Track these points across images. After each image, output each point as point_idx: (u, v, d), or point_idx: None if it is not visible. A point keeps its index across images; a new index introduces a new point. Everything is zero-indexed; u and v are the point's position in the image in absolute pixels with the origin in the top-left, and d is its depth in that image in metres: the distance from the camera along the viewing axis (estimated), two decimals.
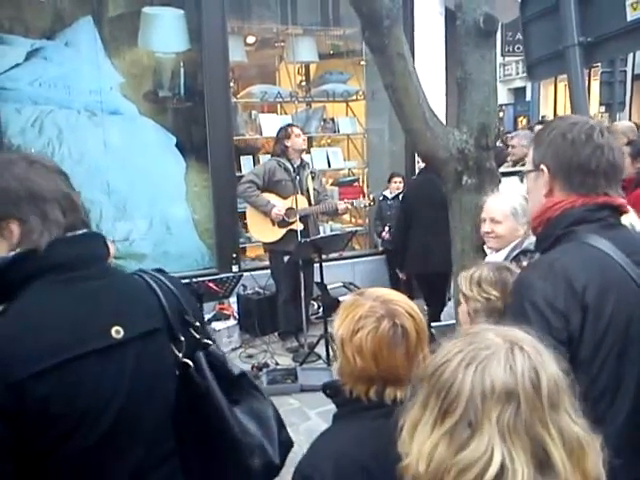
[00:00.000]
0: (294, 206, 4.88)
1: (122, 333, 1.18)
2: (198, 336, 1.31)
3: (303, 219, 4.95)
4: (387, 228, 5.87)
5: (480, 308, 1.86)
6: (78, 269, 1.18)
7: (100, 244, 1.26)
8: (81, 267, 1.19)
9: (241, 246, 5.92)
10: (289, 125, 5.14)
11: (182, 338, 1.27)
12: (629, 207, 1.54)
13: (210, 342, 1.34)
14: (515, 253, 2.26)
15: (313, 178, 5.13)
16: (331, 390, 1.40)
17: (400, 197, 5.88)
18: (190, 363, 1.27)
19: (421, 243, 4.64)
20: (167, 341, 1.26)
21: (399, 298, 1.36)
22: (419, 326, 1.31)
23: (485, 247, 2.54)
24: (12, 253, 1.13)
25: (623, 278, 1.35)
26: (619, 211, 1.45)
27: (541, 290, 1.32)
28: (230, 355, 4.75)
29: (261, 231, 5.13)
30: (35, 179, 1.15)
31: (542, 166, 1.47)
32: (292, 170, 4.93)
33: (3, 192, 1.13)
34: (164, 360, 1.25)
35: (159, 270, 1.37)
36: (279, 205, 4.96)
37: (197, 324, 1.32)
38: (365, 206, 5.49)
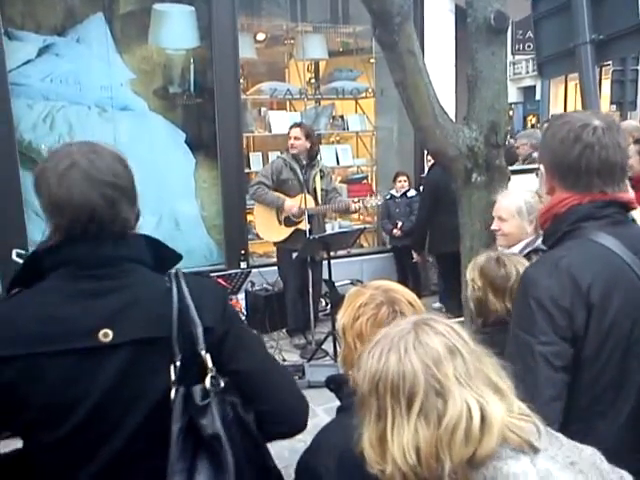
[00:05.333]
0: (301, 205, 4.86)
1: (110, 337, 1.15)
2: (207, 360, 1.19)
3: (309, 219, 4.89)
4: (399, 224, 5.85)
5: (470, 296, 1.90)
6: (91, 268, 1.18)
7: (132, 246, 1.23)
8: (94, 266, 1.18)
9: (249, 242, 5.93)
10: (293, 124, 5.09)
11: (178, 362, 1.17)
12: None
13: (206, 378, 1.19)
14: (527, 251, 2.25)
15: (322, 177, 5.06)
16: (334, 384, 1.41)
17: (407, 194, 5.91)
18: (172, 394, 1.17)
19: (450, 223, 4.70)
20: (168, 355, 1.18)
21: (400, 288, 1.39)
22: (418, 314, 1.32)
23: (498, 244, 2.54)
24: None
25: (629, 276, 1.35)
26: (626, 207, 1.45)
27: (546, 288, 1.33)
28: None
29: (268, 230, 5.13)
30: (62, 187, 1.15)
31: (541, 166, 1.49)
32: (299, 169, 4.90)
33: (38, 194, 1.18)
34: (157, 373, 1.18)
35: (198, 274, 1.32)
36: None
37: (202, 349, 1.19)
38: (374, 206, 5.42)
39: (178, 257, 1.30)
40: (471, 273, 1.93)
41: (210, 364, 1.19)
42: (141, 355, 1.17)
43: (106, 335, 1.14)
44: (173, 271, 1.27)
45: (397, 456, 0.90)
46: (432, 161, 5.08)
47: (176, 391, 1.17)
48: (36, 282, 1.19)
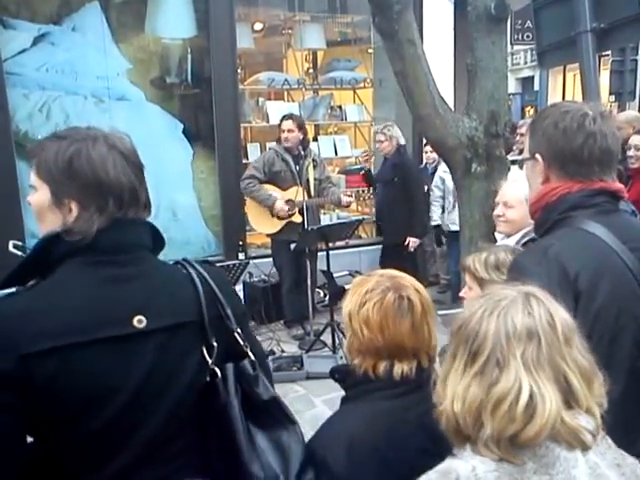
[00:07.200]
0: (293, 197, 4.82)
1: (145, 323, 1.15)
2: (239, 340, 1.26)
3: (302, 211, 4.83)
4: None
5: None
6: (112, 254, 1.16)
7: (144, 233, 1.23)
8: (115, 252, 1.17)
9: (247, 233, 5.91)
10: (284, 117, 5.00)
11: (215, 343, 1.21)
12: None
13: (248, 352, 1.28)
14: (525, 240, 2.24)
15: (315, 167, 5.00)
16: (339, 374, 1.41)
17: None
18: (218, 372, 1.22)
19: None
20: (197, 338, 1.22)
21: (405, 275, 1.40)
22: (425, 300, 1.35)
23: (496, 232, 2.52)
24: (57, 230, 1.16)
25: (617, 265, 1.35)
26: (616, 197, 1.45)
27: (535, 275, 1.32)
28: None
29: (261, 222, 5.09)
30: (106, 168, 1.15)
31: (537, 155, 1.47)
32: (291, 160, 4.87)
33: (74, 174, 1.14)
34: (188, 357, 1.21)
35: (204, 262, 1.33)
36: (279, 197, 4.88)
37: (236, 328, 1.26)
38: (368, 198, 5.38)
39: (164, 243, 1.31)
40: (492, 272, 1.83)
41: (242, 341, 1.27)
42: (172, 340, 1.19)
43: (140, 321, 1.15)
44: (182, 259, 1.30)
45: (448, 398, 0.98)
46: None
47: (222, 369, 1.23)
48: (46, 270, 1.15)
